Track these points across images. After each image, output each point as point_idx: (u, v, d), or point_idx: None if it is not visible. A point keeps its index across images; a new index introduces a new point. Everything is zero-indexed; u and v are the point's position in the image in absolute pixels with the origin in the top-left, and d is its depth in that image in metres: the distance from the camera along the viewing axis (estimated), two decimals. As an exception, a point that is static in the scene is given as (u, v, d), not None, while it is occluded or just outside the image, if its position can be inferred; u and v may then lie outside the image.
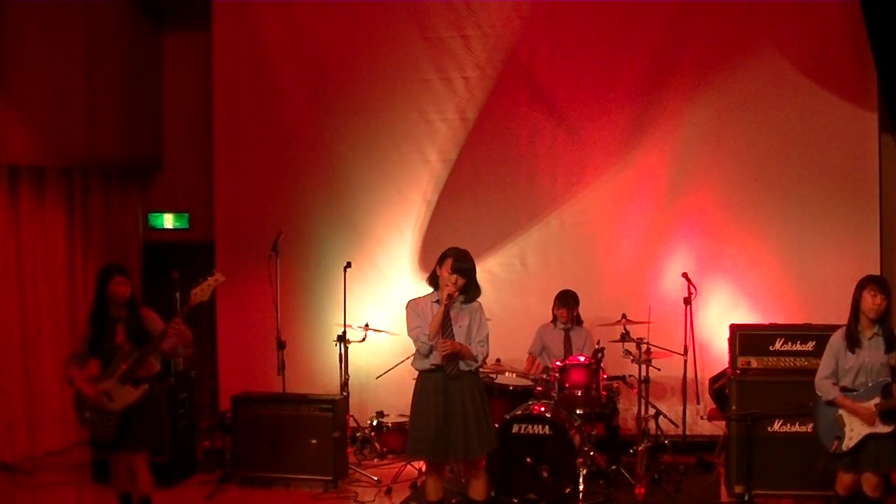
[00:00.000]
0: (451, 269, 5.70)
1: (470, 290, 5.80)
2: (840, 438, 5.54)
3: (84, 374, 5.87)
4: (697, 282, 7.63)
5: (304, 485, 7.21)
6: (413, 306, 5.89)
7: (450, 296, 5.68)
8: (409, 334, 5.87)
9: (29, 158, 8.02)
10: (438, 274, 5.78)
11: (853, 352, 5.57)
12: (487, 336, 5.88)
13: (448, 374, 5.76)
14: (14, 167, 8.00)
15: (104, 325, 5.88)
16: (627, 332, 7.31)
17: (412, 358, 5.99)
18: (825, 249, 7.92)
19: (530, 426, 6.56)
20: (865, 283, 5.62)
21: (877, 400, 5.48)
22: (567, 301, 7.65)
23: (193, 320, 5.83)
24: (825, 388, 5.63)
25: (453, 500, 6.44)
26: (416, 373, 7.47)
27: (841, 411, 5.55)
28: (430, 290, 5.94)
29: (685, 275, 7.62)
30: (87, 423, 5.89)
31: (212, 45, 9.02)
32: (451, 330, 5.76)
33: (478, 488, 5.94)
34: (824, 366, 5.68)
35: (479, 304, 5.91)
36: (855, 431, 5.50)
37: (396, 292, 8.61)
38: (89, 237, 8.80)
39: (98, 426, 5.84)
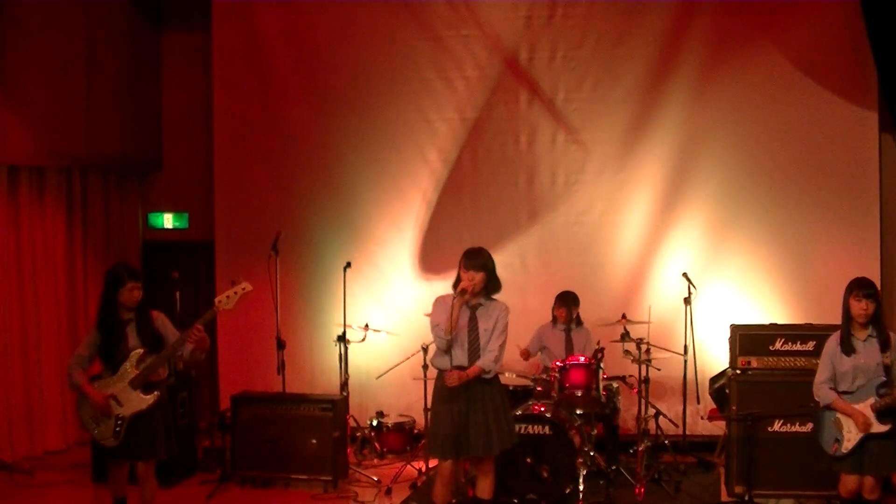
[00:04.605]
0: (465, 267, 5.70)
1: (489, 283, 5.76)
2: (839, 441, 5.55)
3: (88, 378, 5.74)
4: (697, 282, 7.62)
5: (304, 485, 7.21)
6: (442, 301, 5.81)
7: (463, 290, 5.66)
8: (431, 331, 5.81)
9: (29, 158, 8.01)
10: (461, 278, 5.75)
11: (848, 355, 5.55)
12: (502, 345, 5.79)
13: None
14: (14, 167, 8.00)
15: (115, 330, 5.71)
16: (627, 332, 7.31)
17: (430, 356, 5.92)
18: (825, 249, 7.94)
19: (530, 426, 6.56)
20: (851, 287, 5.58)
21: (872, 400, 5.49)
22: (566, 301, 7.64)
23: (193, 320, 5.78)
24: (822, 392, 5.63)
25: (453, 501, 6.42)
26: (417, 373, 7.55)
27: (839, 414, 5.56)
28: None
29: (685, 275, 7.61)
30: (92, 429, 5.71)
31: (212, 45, 9.01)
32: (477, 333, 5.74)
33: (485, 486, 5.92)
34: (821, 371, 5.67)
35: (506, 309, 5.83)
36: (853, 433, 5.50)
37: (396, 292, 8.62)
38: (89, 237, 8.80)
39: (104, 432, 5.67)
